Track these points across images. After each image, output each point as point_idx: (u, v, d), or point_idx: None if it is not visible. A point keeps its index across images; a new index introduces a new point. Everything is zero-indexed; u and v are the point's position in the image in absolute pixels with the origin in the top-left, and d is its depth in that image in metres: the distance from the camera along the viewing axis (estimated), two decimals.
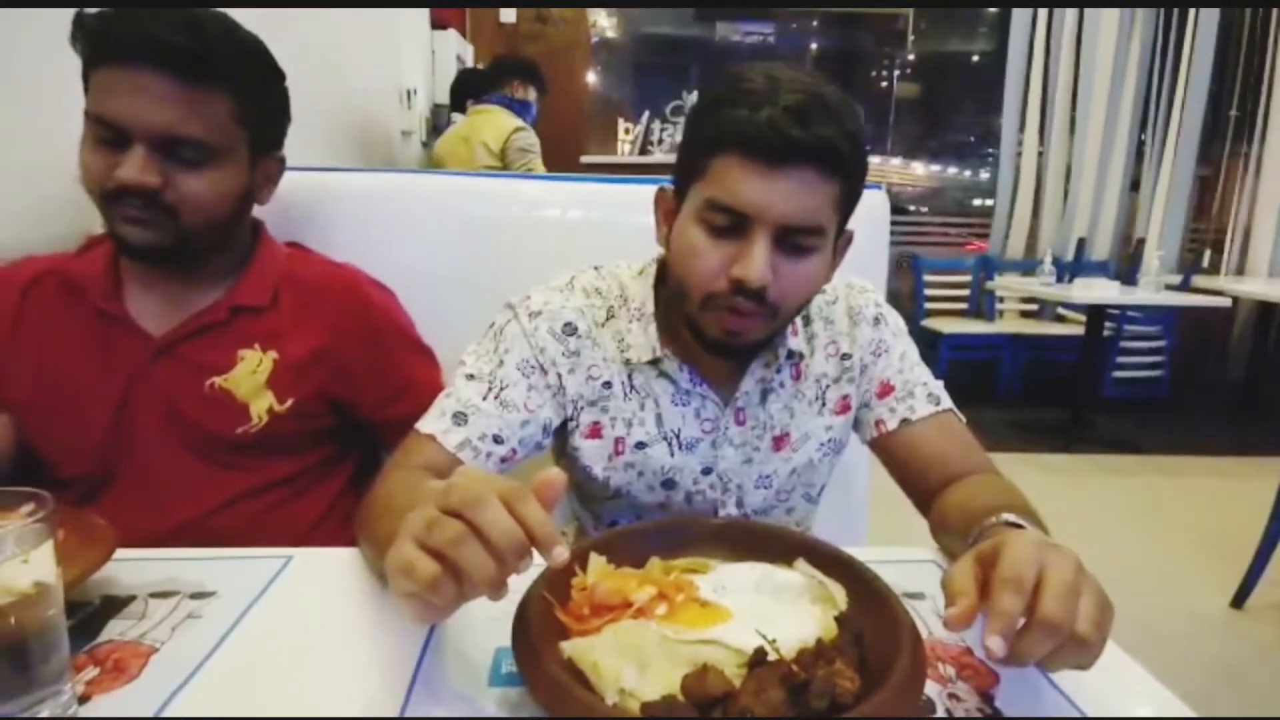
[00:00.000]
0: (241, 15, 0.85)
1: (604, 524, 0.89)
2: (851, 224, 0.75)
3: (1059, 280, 3.62)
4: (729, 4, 5.03)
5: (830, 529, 0.86)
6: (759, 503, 0.86)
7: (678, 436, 0.81)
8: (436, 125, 3.62)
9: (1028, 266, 4.18)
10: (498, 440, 0.75)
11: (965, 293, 4.36)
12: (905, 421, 0.83)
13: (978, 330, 4.16)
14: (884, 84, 5.24)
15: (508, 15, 4.37)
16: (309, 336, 0.92)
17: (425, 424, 0.76)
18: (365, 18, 2.72)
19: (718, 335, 0.72)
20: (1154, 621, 1.92)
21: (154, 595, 0.62)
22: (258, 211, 0.95)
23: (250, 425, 0.89)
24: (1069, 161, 4.34)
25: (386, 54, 3.10)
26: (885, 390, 0.85)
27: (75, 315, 0.87)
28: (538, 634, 0.48)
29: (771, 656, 0.47)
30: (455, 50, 3.88)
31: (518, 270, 0.92)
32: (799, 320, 0.82)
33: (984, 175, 5.11)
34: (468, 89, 3.22)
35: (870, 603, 0.54)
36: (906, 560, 0.73)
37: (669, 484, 0.83)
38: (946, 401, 0.85)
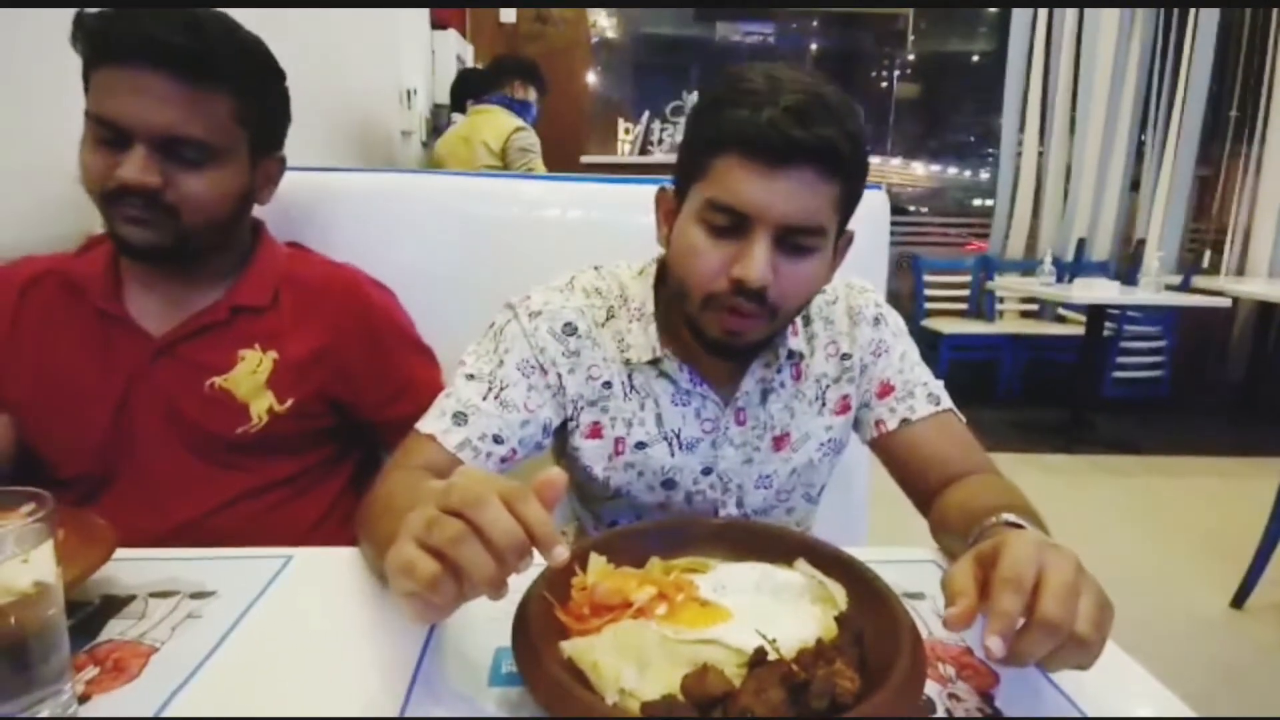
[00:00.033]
0: (242, 15, 0.85)
1: (604, 524, 0.89)
2: (851, 224, 0.75)
3: (1059, 280, 3.62)
4: (729, 4, 5.03)
5: (830, 529, 0.86)
6: (759, 503, 0.86)
7: (678, 436, 0.81)
8: (436, 125, 3.62)
9: (1028, 267, 4.18)
10: (498, 440, 0.76)
11: (965, 293, 4.36)
12: (905, 421, 0.83)
13: (978, 330, 4.16)
14: (884, 84, 5.25)
15: (508, 15, 4.37)
16: (309, 336, 0.92)
17: (425, 424, 0.76)
18: (365, 18, 2.72)
19: (718, 335, 0.72)
20: (1154, 622, 1.92)
21: (154, 595, 0.62)
22: (258, 211, 0.95)
23: (250, 425, 0.89)
24: (1069, 161, 4.34)
25: (386, 54, 3.10)
26: (885, 390, 0.85)
27: (75, 315, 0.87)
28: (538, 634, 0.48)
29: (771, 656, 0.47)
30: (455, 50, 3.88)
31: (518, 270, 0.92)
32: (799, 320, 0.82)
33: (984, 175, 5.11)
34: (468, 89, 3.22)
35: (870, 603, 0.54)
36: (906, 560, 0.73)
37: (669, 484, 0.83)
38: (946, 401, 0.85)
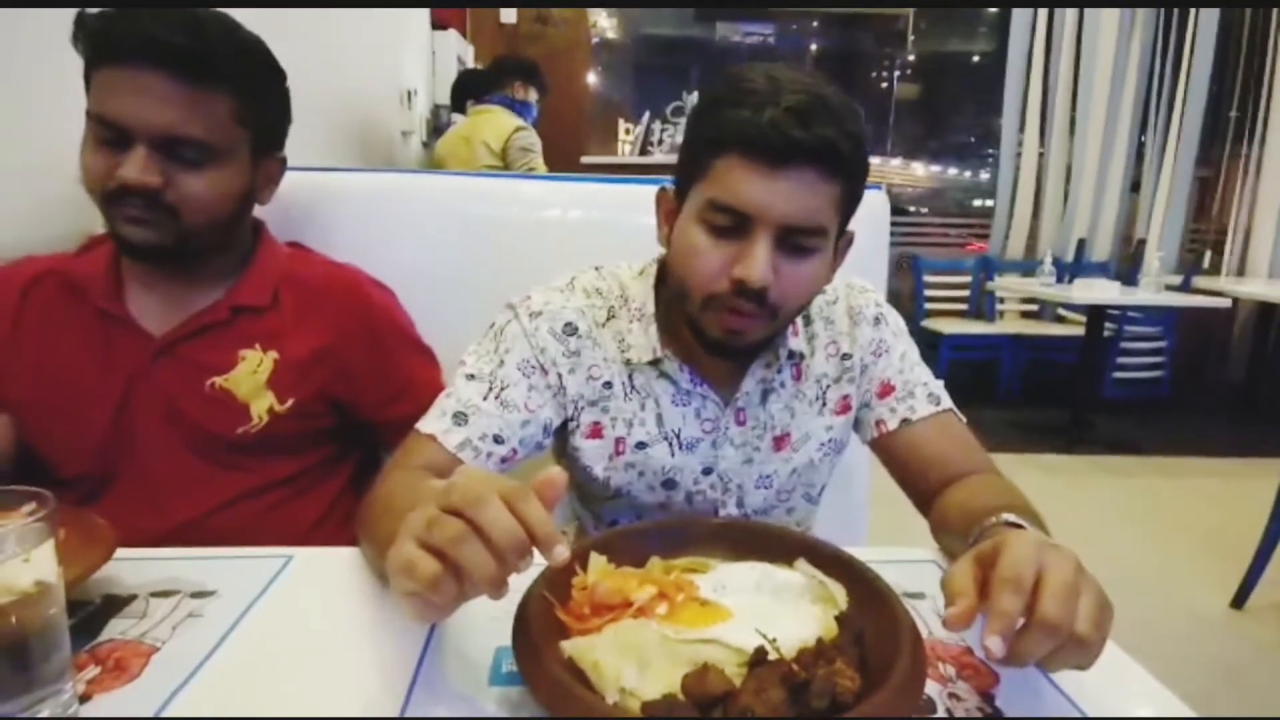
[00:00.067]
0: (242, 15, 0.85)
1: (604, 524, 0.89)
2: (851, 224, 0.75)
3: (1059, 281, 3.62)
4: (729, 4, 5.03)
5: (830, 529, 0.86)
6: (759, 503, 0.86)
7: (678, 437, 0.81)
8: (437, 126, 3.62)
9: (1028, 267, 4.18)
10: (498, 440, 0.76)
11: (965, 293, 4.36)
12: (906, 421, 0.83)
13: (978, 331, 4.16)
14: (884, 85, 5.25)
15: (508, 16, 4.37)
16: (310, 336, 0.92)
17: (426, 424, 0.76)
18: (366, 18, 2.72)
19: (719, 335, 0.72)
20: (1154, 622, 1.92)
21: (155, 594, 0.62)
22: (258, 211, 0.95)
23: (251, 425, 0.89)
24: (1069, 162, 4.35)
25: (387, 54, 3.10)
26: (886, 390, 0.85)
27: (76, 315, 0.87)
28: (538, 633, 0.48)
29: (772, 656, 0.47)
30: (456, 51, 3.88)
31: (518, 270, 0.92)
32: (799, 320, 0.82)
33: (984, 176, 5.11)
34: (468, 89, 3.22)
35: (871, 602, 0.54)
36: (907, 560, 0.73)
37: (669, 484, 0.83)
38: (947, 401, 0.85)
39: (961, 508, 0.71)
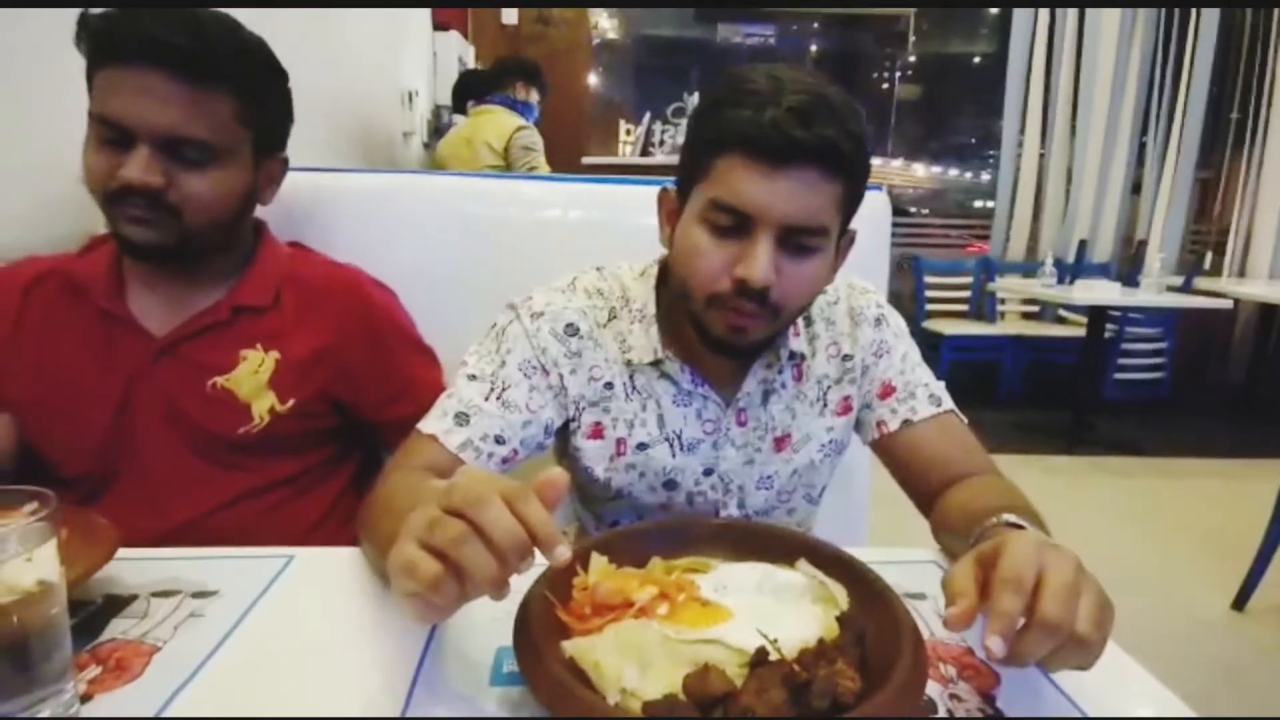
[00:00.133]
0: (243, 15, 0.85)
1: (605, 525, 0.89)
2: (852, 225, 0.75)
3: (1060, 282, 3.62)
4: (730, 5, 5.04)
5: (831, 530, 0.86)
6: (760, 504, 0.86)
7: (679, 437, 0.81)
8: (438, 127, 3.63)
9: (1029, 268, 4.18)
10: (499, 441, 0.76)
11: (966, 294, 4.36)
12: (907, 423, 0.83)
13: (979, 332, 4.16)
14: (885, 86, 5.25)
15: (509, 16, 4.38)
16: (311, 336, 0.92)
17: (427, 424, 0.76)
18: (367, 19, 2.72)
19: (722, 333, 0.72)
20: (1155, 622, 1.92)
21: (156, 594, 0.62)
22: (259, 212, 0.95)
23: (252, 425, 0.89)
24: (1070, 163, 4.34)
25: (388, 55, 3.11)
26: (887, 391, 0.85)
27: (77, 315, 0.87)
28: (539, 633, 0.48)
29: (773, 656, 0.47)
30: (457, 52, 3.89)
31: (518, 271, 0.92)
32: (800, 321, 0.82)
33: (985, 177, 5.11)
34: (470, 90, 3.22)
35: (872, 603, 0.54)
36: (908, 561, 0.73)
37: (670, 485, 0.83)
38: (948, 402, 0.85)
39: (962, 508, 0.71)
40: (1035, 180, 4.39)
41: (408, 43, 3.33)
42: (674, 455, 0.82)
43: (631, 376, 0.81)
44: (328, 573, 0.67)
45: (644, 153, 4.29)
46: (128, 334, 0.87)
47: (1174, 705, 0.53)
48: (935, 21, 5.10)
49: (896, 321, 0.88)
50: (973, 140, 5.31)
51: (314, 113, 1.36)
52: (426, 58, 3.67)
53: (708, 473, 0.83)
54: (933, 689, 0.53)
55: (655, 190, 0.79)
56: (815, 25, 5.22)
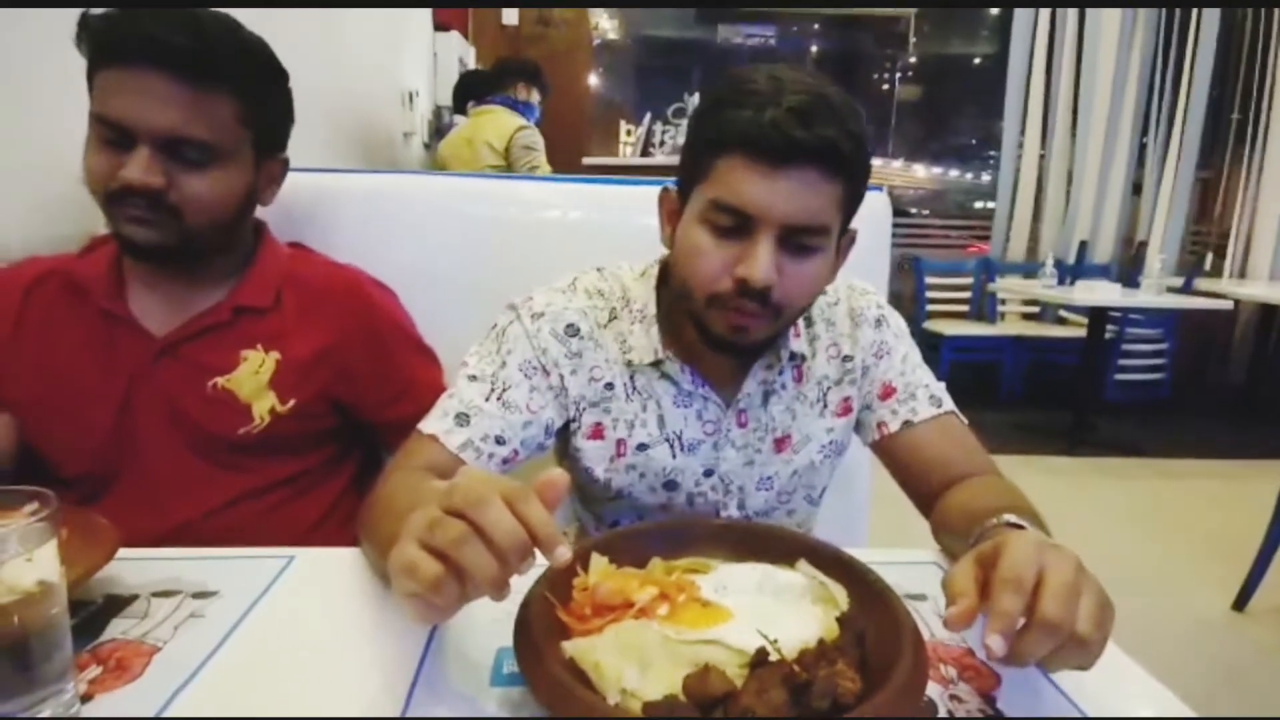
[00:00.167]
0: (244, 16, 0.85)
1: (605, 525, 0.89)
2: (853, 225, 0.75)
3: (1060, 283, 3.62)
4: (730, 5, 5.04)
5: (831, 530, 0.86)
6: (760, 504, 0.86)
7: (679, 438, 0.81)
8: (438, 127, 3.63)
9: (1029, 269, 4.19)
10: (500, 441, 0.76)
11: (967, 295, 4.36)
12: (907, 423, 0.83)
13: (979, 332, 4.16)
14: (885, 86, 5.25)
15: (510, 17, 4.38)
16: (311, 337, 0.92)
17: (427, 424, 0.76)
18: (368, 19, 2.72)
19: (724, 332, 0.72)
20: (1155, 623, 1.92)
21: (156, 595, 0.62)
22: (260, 212, 0.95)
23: (252, 426, 0.89)
24: (1070, 164, 4.35)
25: (389, 56, 3.11)
26: (887, 392, 0.85)
27: (78, 315, 0.87)
28: (540, 634, 0.48)
29: (773, 657, 0.47)
30: (457, 52, 3.89)
31: (519, 271, 0.92)
32: (801, 322, 0.82)
33: (985, 178, 5.12)
34: (471, 91, 3.23)
35: (872, 603, 0.54)
36: (908, 561, 0.73)
37: (670, 485, 0.83)
38: (948, 403, 0.85)
39: (963, 509, 0.71)
40: (1036, 181, 4.40)
41: (408, 43, 3.34)
42: (674, 456, 0.82)
43: (632, 377, 0.81)
44: (328, 573, 0.67)
45: (644, 153, 4.29)
46: (128, 334, 0.87)
47: (1174, 705, 0.53)
48: (936, 22, 5.11)
49: (897, 322, 0.88)
50: (973, 141, 5.31)
51: (314, 113, 1.36)
52: (427, 58, 3.67)
53: (708, 473, 0.83)
54: (933, 690, 0.53)
55: (655, 191, 0.79)
56: (816, 26, 5.23)
